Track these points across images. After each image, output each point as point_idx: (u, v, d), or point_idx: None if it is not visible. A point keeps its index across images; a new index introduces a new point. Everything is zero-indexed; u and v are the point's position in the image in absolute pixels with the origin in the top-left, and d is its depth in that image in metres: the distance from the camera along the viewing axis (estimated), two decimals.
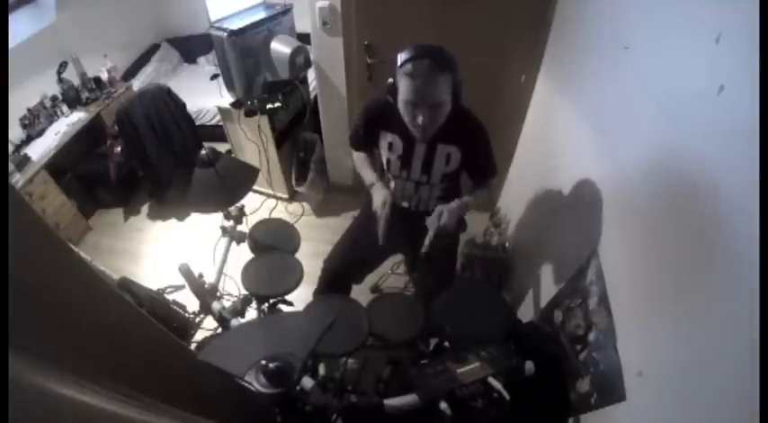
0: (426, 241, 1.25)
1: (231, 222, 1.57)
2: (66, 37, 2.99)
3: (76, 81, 3.01)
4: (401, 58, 1.19)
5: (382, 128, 1.41)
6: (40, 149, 2.59)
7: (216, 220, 1.58)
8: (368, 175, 1.48)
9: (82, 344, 0.40)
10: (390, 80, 1.25)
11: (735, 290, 0.69)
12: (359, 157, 1.56)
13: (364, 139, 1.49)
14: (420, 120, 1.21)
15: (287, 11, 2.43)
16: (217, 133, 3.02)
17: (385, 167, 1.51)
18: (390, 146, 1.42)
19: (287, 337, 1.16)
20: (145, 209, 3.05)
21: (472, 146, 1.36)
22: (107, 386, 0.39)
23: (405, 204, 1.55)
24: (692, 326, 0.79)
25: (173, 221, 2.94)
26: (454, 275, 1.83)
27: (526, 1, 1.94)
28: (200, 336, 1.60)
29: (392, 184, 1.53)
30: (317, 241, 2.09)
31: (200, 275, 1.44)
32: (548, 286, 1.60)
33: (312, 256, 1.76)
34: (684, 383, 0.79)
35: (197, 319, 1.60)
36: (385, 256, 1.80)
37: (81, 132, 2.84)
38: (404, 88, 1.19)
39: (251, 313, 1.54)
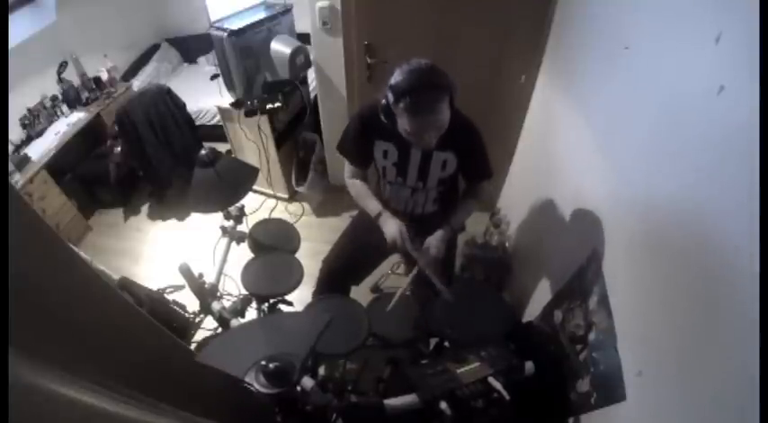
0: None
1: (231, 222, 1.58)
2: (66, 37, 2.99)
3: (76, 81, 3.01)
4: (396, 87, 1.10)
5: (376, 137, 1.38)
6: (40, 149, 2.59)
7: (216, 220, 1.58)
8: (371, 205, 1.44)
9: (82, 344, 0.40)
10: (384, 102, 1.17)
11: (735, 289, 0.69)
12: (355, 185, 1.50)
13: (355, 147, 1.45)
14: (426, 142, 1.19)
15: (287, 11, 2.43)
16: (217, 133, 3.02)
17: (380, 174, 1.49)
18: (385, 154, 1.40)
19: (287, 337, 1.16)
20: (145, 209, 3.05)
21: (467, 149, 1.35)
22: (107, 386, 0.39)
23: (401, 208, 1.54)
24: (692, 326, 0.79)
25: (173, 221, 2.94)
26: (453, 276, 1.82)
27: (526, 1, 1.94)
28: (200, 336, 1.60)
29: (387, 189, 1.51)
30: (317, 241, 2.09)
31: (201, 275, 1.44)
32: (548, 286, 1.60)
33: (312, 256, 1.76)
34: (684, 383, 0.79)
35: (197, 319, 1.59)
36: (383, 258, 1.79)
37: (81, 132, 2.85)
38: (404, 121, 1.14)
39: (251, 313, 1.54)
